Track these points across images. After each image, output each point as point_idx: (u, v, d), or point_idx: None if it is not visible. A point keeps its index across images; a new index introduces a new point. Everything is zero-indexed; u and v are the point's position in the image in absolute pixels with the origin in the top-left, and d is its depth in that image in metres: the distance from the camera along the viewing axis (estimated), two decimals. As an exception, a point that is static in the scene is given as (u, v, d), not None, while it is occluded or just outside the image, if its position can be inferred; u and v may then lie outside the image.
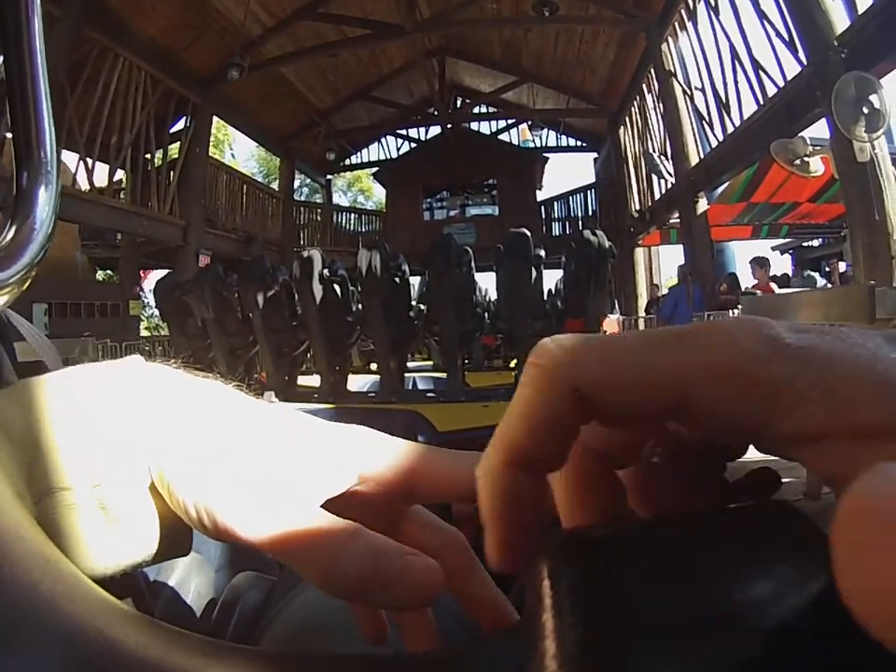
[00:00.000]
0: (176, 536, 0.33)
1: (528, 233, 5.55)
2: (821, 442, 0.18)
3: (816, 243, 12.83)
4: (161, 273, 11.81)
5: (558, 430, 0.21)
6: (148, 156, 9.66)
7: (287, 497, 0.30)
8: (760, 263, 8.11)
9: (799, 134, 6.09)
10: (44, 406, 0.32)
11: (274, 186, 15.45)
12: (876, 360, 0.18)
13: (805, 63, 5.68)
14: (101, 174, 8.62)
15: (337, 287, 5.70)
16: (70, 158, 8.17)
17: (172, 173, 10.21)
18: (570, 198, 15.52)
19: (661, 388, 0.20)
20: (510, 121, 16.32)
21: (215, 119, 11.67)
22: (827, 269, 10.16)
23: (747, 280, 8.48)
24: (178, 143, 10.67)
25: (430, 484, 0.32)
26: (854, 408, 0.18)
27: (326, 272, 5.50)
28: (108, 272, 14.73)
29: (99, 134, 8.27)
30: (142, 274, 13.92)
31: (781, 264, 14.76)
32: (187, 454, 0.32)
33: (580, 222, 14.73)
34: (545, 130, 14.95)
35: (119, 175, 9.28)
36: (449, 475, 0.32)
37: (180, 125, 10.79)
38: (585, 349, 0.21)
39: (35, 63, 0.37)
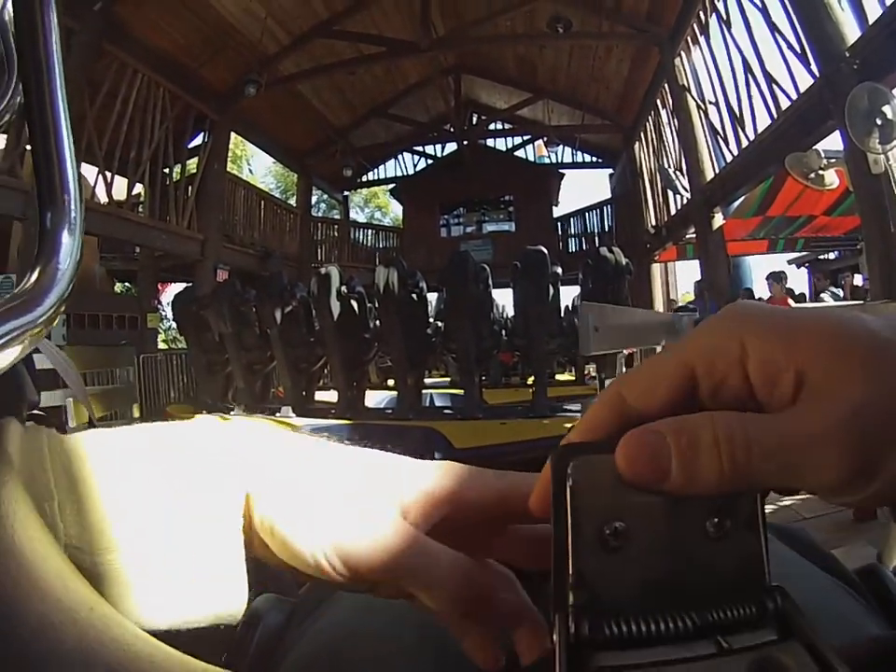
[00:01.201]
0: (231, 596, 0.35)
1: (545, 251, 5.58)
2: (783, 375, 0.25)
3: (832, 256, 12.74)
4: (179, 286, 11.92)
5: (606, 427, 0.29)
6: (167, 170, 9.78)
7: (401, 534, 0.34)
8: (776, 279, 8.07)
9: (813, 147, 6.05)
10: (114, 461, 0.34)
11: (292, 202, 15.55)
12: (832, 316, 0.26)
13: (818, 75, 5.66)
14: (120, 187, 8.72)
15: (354, 304, 5.74)
16: (89, 171, 8.25)
17: (190, 188, 10.31)
18: (586, 214, 15.50)
19: (668, 377, 0.28)
20: (525, 138, 16.38)
21: (232, 134, 11.78)
22: (842, 282, 10.06)
23: (765, 294, 8.45)
24: (196, 158, 10.79)
25: (518, 506, 0.33)
26: (800, 346, 0.25)
27: (343, 288, 5.55)
28: (127, 284, 14.86)
29: (118, 148, 8.38)
30: (160, 287, 14.02)
31: (798, 278, 14.67)
32: (299, 505, 0.34)
33: (596, 238, 14.72)
34: (560, 146, 14.96)
35: (138, 189, 9.37)
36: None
37: (198, 140, 10.93)
38: (631, 372, 0.30)
39: (57, 105, 0.38)
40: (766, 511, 0.28)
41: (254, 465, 0.36)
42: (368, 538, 0.33)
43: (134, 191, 9.18)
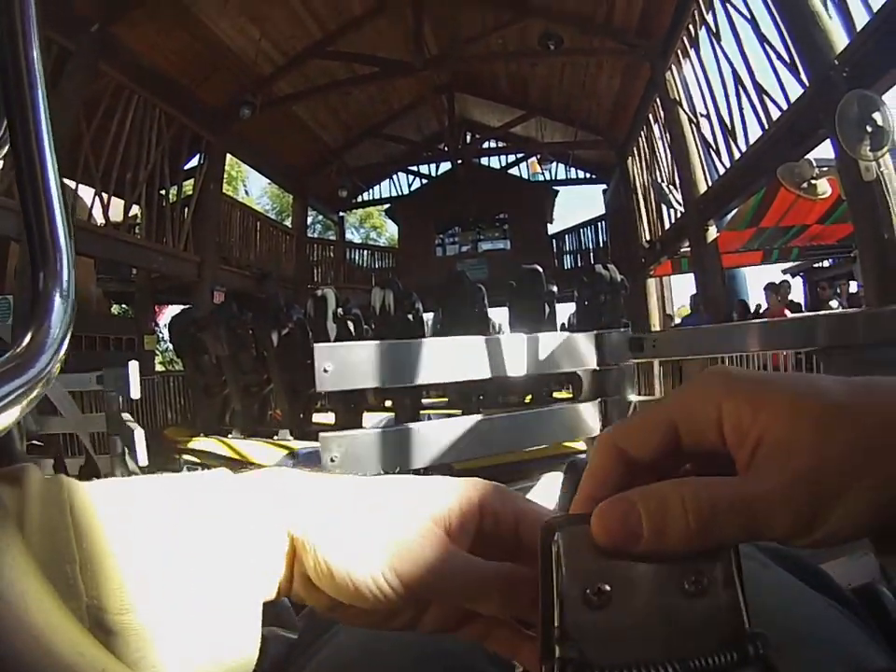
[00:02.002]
0: (245, 650, 0.36)
1: (540, 269, 5.60)
2: (748, 436, 0.30)
3: (826, 264, 12.76)
4: (176, 308, 11.91)
5: (610, 473, 0.34)
6: (163, 192, 9.81)
7: (449, 550, 0.36)
8: (775, 290, 8.09)
9: (805, 157, 6.08)
10: (138, 518, 0.34)
11: (287, 223, 15.58)
12: (796, 383, 0.30)
13: (807, 83, 5.70)
14: (116, 209, 8.74)
15: (351, 325, 5.74)
16: (86, 192, 8.28)
17: (186, 209, 10.34)
18: (581, 230, 15.57)
19: (657, 430, 0.32)
20: (519, 155, 16.47)
21: (228, 156, 11.82)
22: (838, 290, 10.08)
23: (763, 305, 8.48)
24: (192, 179, 10.82)
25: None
26: (764, 411, 0.30)
27: (340, 310, 5.55)
28: (123, 305, 14.85)
29: (114, 169, 8.42)
30: (157, 310, 14.01)
31: (793, 287, 14.67)
32: (350, 535, 0.36)
33: (591, 254, 14.78)
34: (554, 163, 15.02)
35: (135, 210, 9.38)
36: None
37: (194, 162, 10.99)
38: (623, 421, 0.34)
39: (46, 164, 0.38)
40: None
41: (292, 508, 0.37)
42: (421, 556, 0.35)
43: (131, 213, 9.20)
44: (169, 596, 0.33)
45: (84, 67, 7.35)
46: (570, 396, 7.79)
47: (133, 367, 3.03)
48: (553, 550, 0.30)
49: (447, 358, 2.54)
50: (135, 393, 3.08)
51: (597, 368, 2.77)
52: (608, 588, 0.30)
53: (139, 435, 2.98)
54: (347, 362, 2.29)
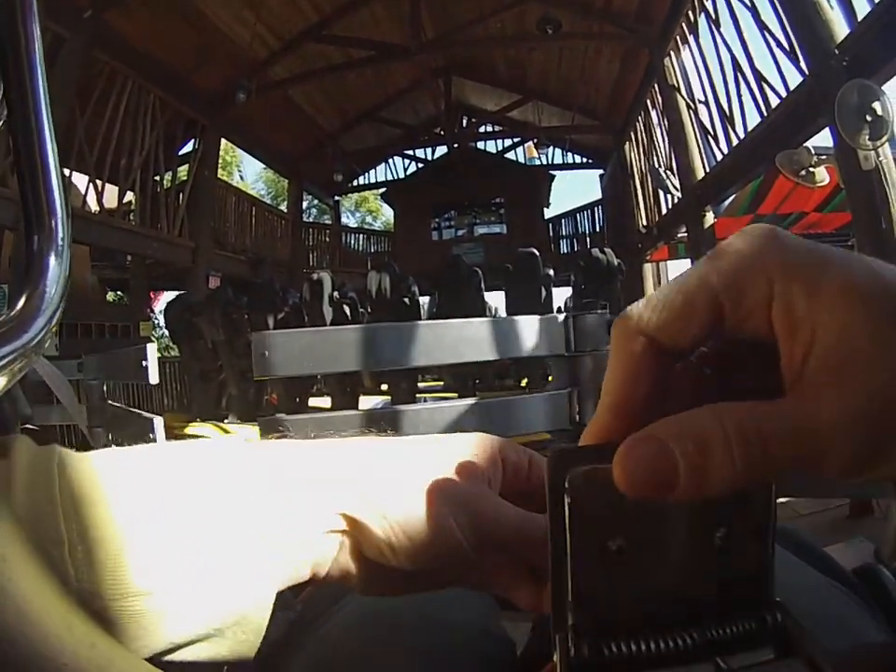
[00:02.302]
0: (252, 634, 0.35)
1: (537, 253, 5.59)
2: (801, 328, 0.24)
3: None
4: (171, 294, 11.88)
5: (639, 370, 0.27)
6: (158, 178, 9.75)
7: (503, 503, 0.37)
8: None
9: (803, 145, 6.07)
10: (136, 491, 0.32)
11: (282, 207, 15.53)
12: (868, 270, 0.24)
13: (807, 72, 5.68)
14: (111, 195, 8.68)
15: (347, 309, 5.73)
16: (80, 179, 8.23)
17: (181, 195, 10.29)
18: (577, 215, 15.56)
19: (697, 309, 0.26)
20: (516, 140, 16.39)
21: (223, 141, 11.76)
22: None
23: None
24: (187, 165, 10.77)
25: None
26: (824, 299, 0.24)
27: (336, 294, 5.54)
28: (119, 292, 14.81)
29: (109, 156, 8.35)
30: (152, 296, 13.98)
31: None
32: (412, 493, 0.36)
33: (587, 239, 14.79)
34: (551, 147, 14.97)
35: (129, 196, 9.33)
36: None
37: (188, 147, 10.92)
38: (645, 302, 0.27)
39: (43, 128, 0.37)
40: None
41: (341, 488, 0.36)
42: (490, 512, 0.36)
43: (125, 199, 9.15)
44: (173, 579, 0.31)
45: (77, 54, 7.28)
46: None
47: (152, 349, 3.00)
48: (566, 499, 0.26)
49: (389, 345, 2.45)
50: (154, 378, 3.06)
51: (567, 354, 2.59)
52: (627, 542, 0.26)
53: (158, 422, 2.94)
54: (284, 348, 2.29)
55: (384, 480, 0.37)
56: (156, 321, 14.08)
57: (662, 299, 0.27)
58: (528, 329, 2.61)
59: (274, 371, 2.43)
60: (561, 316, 2.61)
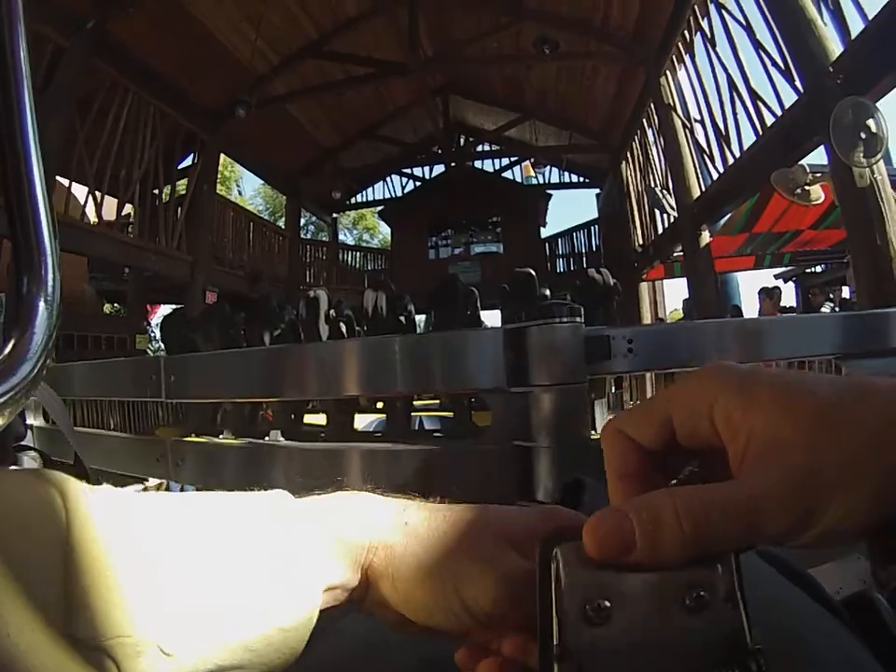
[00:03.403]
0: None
1: (533, 272, 5.58)
2: (740, 432, 0.31)
3: (819, 269, 12.81)
4: (168, 307, 11.86)
5: (626, 461, 0.35)
6: (157, 191, 9.75)
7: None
8: (769, 294, 8.11)
9: (798, 163, 6.09)
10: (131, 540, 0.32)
11: (280, 223, 15.55)
12: (787, 380, 0.31)
13: (802, 90, 5.71)
14: (109, 207, 8.68)
15: (343, 327, 5.71)
16: (80, 191, 8.23)
17: (179, 209, 10.29)
18: (574, 234, 15.59)
19: (654, 421, 0.34)
20: (513, 159, 16.47)
21: (222, 156, 11.78)
22: (831, 295, 10.12)
23: (755, 309, 8.50)
24: (186, 179, 10.78)
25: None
26: (754, 407, 0.31)
27: (332, 311, 5.53)
28: (116, 304, 14.79)
29: (108, 168, 8.36)
30: (149, 309, 13.97)
31: (786, 292, 14.74)
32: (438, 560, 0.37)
33: (583, 258, 14.83)
34: (548, 167, 15.03)
35: (128, 209, 9.33)
36: None
37: (188, 162, 10.94)
38: (625, 412, 0.36)
39: (32, 173, 0.37)
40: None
41: (368, 533, 0.38)
42: (514, 590, 0.36)
43: (124, 211, 9.15)
44: (175, 622, 0.30)
45: (78, 65, 7.30)
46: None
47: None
48: (553, 566, 0.31)
49: (295, 369, 2.06)
50: None
51: (509, 390, 1.69)
52: (607, 604, 0.30)
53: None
54: (188, 373, 2.17)
55: (400, 546, 0.38)
56: (152, 334, 14.05)
57: (637, 408, 0.36)
58: (462, 351, 1.88)
59: (180, 396, 2.29)
60: (503, 329, 1.85)
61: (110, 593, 0.29)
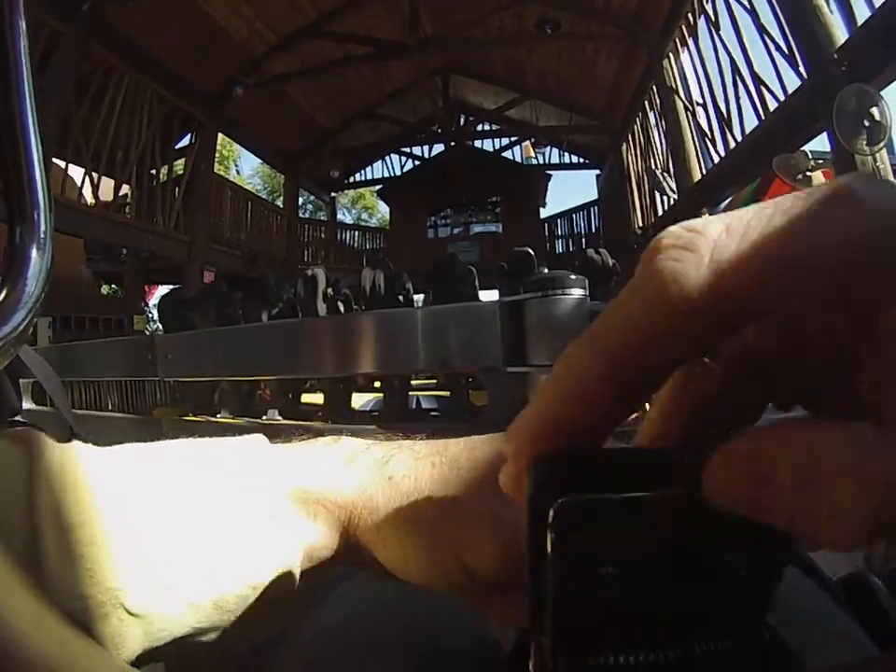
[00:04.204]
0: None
1: (532, 252, 5.57)
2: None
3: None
4: (166, 288, 11.84)
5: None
6: (154, 171, 9.71)
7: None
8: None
9: (801, 149, 6.07)
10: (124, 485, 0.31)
11: (279, 203, 15.50)
12: None
13: (806, 76, 5.68)
14: (106, 188, 8.65)
15: (341, 305, 5.71)
16: (76, 172, 8.19)
17: (177, 189, 10.24)
18: (573, 215, 15.52)
19: (817, 272, 0.16)
20: (513, 139, 16.39)
21: (220, 135, 11.72)
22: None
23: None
24: (183, 159, 10.73)
25: None
26: None
27: (330, 290, 5.52)
28: (113, 286, 14.77)
29: (105, 150, 8.31)
30: (147, 290, 13.95)
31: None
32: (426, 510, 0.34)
33: (583, 239, 14.78)
34: (548, 147, 14.97)
35: (125, 190, 9.30)
36: None
37: (185, 141, 10.88)
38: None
39: (26, 119, 0.37)
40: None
41: (335, 482, 0.35)
42: (496, 546, 0.32)
43: (121, 192, 9.12)
44: (158, 572, 0.30)
45: (75, 49, 7.25)
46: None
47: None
48: (549, 535, 0.22)
49: (290, 346, 2.06)
50: None
51: (506, 369, 1.60)
52: (616, 570, 0.23)
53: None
54: (183, 351, 2.14)
55: (387, 490, 0.35)
56: (149, 315, 14.04)
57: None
58: (454, 326, 1.75)
59: (177, 373, 2.28)
60: (498, 302, 1.74)
61: (75, 552, 0.28)
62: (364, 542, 0.35)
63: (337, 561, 0.37)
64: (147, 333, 12.38)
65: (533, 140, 14.88)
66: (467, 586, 0.33)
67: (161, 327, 9.61)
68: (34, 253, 0.36)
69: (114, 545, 0.29)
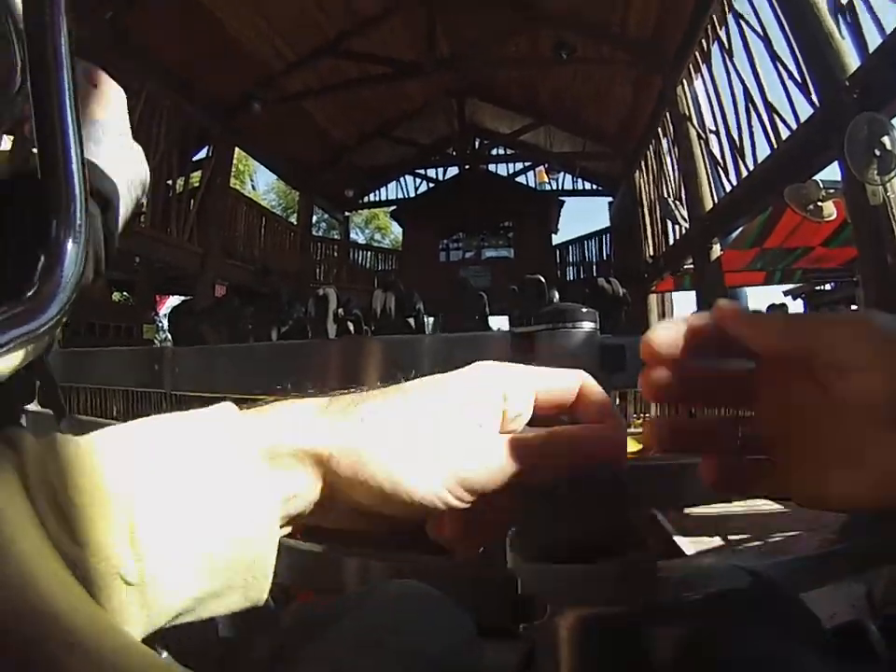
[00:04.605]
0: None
1: (543, 279, 5.61)
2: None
3: (828, 287, 12.73)
4: (176, 298, 11.91)
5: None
6: (170, 182, 9.79)
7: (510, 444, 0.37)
8: (777, 310, 8.07)
9: (812, 178, 6.06)
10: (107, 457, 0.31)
11: (292, 219, 15.59)
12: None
13: (818, 104, 5.68)
14: (122, 198, 8.71)
15: (351, 326, 5.74)
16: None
17: (192, 201, 10.33)
18: (585, 242, 15.55)
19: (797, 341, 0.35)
20: (527, 164, 16.46)
21: (236, 149, 11.83)
22: (839, 313, 10.02)
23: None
24: (200, 171, 10.82)
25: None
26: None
27: (340, 310, 5.56)
28: (125, 293, 14.84)
29: (122, 158, 8.36)
30: (158, 299, 14.02)
31: (794, 310, 14.64)
32: (396, 446, 0.36)
33: (594, 267, 14.79)
34: (561, 173, 15.02)
35: (140, 199, 9.36)
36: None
37: (202, 154, 10.99)
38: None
39: (65, 112, 0.37)
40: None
41: (311, 427, 0.36)
42: (483, 458, 0.36)
43: (136, 202, 9.18)
44: (161, 538, 0.30)
45: (95, 57, 7.34)
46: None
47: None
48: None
49: (299, 367, 1.96)
50: None
51: None
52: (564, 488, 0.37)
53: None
54: (194, 365, 2.16)
55: (365, 420, 0.36)
56: (159, 324, 14.10)
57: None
58: (461, 355, 1.64)
59: (183, 387, 2.28)
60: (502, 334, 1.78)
61: (73, 528, 0.28)
62: (345, 485, 0.35)
63: (322, 508, 0.37)
64: (156, 342, 12.44)
65: (546, 166, 14.94)
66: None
67: (170, 336, 9.64)
68: (69, 245, 0.37)
69: (108, 518, 0.29)
